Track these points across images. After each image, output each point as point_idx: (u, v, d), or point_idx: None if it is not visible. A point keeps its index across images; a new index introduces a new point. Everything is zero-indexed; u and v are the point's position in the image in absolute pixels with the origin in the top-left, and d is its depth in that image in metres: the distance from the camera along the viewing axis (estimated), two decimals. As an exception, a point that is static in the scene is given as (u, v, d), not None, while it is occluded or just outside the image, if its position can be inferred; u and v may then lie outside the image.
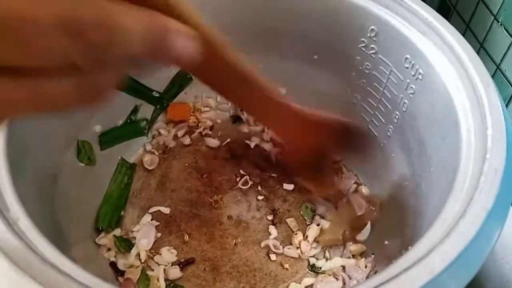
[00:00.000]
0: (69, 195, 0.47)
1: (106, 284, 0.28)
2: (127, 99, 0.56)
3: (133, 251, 0.50)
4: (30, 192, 0.39)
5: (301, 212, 0.55)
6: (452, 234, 0.30)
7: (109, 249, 0.50)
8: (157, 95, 0.58)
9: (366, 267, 0.51)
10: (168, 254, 0.51)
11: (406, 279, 0.29)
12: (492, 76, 0.39)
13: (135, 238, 0.52)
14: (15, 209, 0.32)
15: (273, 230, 0.53)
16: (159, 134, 0.60)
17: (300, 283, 0.50)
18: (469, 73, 0.39)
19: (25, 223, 0.32)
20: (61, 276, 0.28)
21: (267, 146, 0.61)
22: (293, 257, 0.52)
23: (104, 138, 0.53)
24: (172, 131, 0.60)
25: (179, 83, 0.59)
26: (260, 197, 0.56)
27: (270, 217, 0.54)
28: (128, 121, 0.57)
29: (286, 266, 0.51)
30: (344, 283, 0.50)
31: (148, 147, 0.59)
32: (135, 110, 0.57)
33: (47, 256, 0.29)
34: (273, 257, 0.52)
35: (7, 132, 0.37)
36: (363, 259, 0.51)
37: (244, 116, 0.62)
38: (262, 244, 0.52)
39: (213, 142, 0.61)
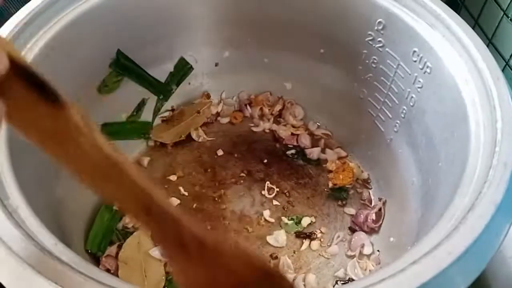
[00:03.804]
0: (71, 185, 0.47)
1: (104, 273, 0.27)
2: (133, 92, 0.55)
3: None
4: (32, 181, 0.38)
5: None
6: (461, 228, 0.30)
7: (111, 242, 0.50)
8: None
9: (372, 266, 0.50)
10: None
11: (412, 273, 0.28)
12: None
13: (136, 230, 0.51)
14: (15, 197, 0.32)
15: (277, 225, 0.53)
16: (163, 128, 0.60)
17: (304, 280, 0.49)
18: (478, 66, 0.38)
19: (25, 211, 0.31)
20: (60, 265, 0.27)
21: (272, 142, 0.60)
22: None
23: (105, 130, 0.53)
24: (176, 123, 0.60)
25: (179, 74, 0.59)
26: (263, 192, 0.56)
27: (275, 213, 0.54)
28: (132, 118, 0.57)
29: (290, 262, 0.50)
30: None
31: (151, 142, 0.59)
32: (142, 103, 0.57)
33: (46, 245, 0.29)
34: (276, 253, 0.51)
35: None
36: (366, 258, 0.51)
37: (248, 111, 0.62)
38: (266, 240, 0.52)
39: (218, 136, 0.60)
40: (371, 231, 0.52)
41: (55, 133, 0.22)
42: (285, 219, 0.53)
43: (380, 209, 0.53)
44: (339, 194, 0.56)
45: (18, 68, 0.20)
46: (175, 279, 0.32)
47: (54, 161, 0.23)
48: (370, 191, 0.56)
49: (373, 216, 0.52)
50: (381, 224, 0.53)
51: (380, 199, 0.54)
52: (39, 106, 0.21)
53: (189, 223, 0.28)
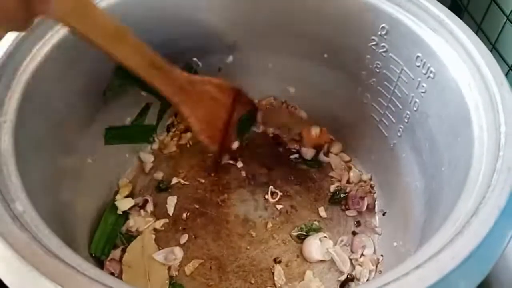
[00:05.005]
0: (76, 189, 0.47)
1: (109, 276, 0.28)
2: (138, 97, 0.56)
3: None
4: (38, 185, 0.38)
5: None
6: (464, 233, 0.30)
7: (115, 246, 0.50)
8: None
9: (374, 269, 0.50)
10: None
11: (416, 278, 0.28)
12: (505, 77, 0.38)
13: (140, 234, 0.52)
14: (22, 200, 0.32)
15: (280, 230, 0.53)
16: (168, 132, 0.60)
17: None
18: (481, 71, 0.38)
19: (31, 215, 0.32)
20: (65, 268, 0.27)
21: (275, 147, 0.60)
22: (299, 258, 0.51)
23: (110, 133, 0.53)
24: (181, 129, 0.60)
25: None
26: (267, 196, 0.56)
27: (278, 217, 0.54)
28: (136, 122, 0.57)
29: (293, 266, 0.51)
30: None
31: (155, 146, 0.59)
32: (146, 108, 0.57)
33: (51, 248, 0.29)
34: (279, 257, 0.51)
35: (15, 125, 0.37)
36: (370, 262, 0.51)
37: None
38: (269, 244, 0.52)
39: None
40: (372, 231, 0.53)
41: (76, 11, 0.35)
42: (288, 224, 0.53)
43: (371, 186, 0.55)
44: (342, 198, 0.56)
45: None
46: (190, 124, 0.50)
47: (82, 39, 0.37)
48: (374, 195, 0.56)
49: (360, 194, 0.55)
50: (375, 203, 0.55)
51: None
52: None
53: (180, 71, 0.46)
